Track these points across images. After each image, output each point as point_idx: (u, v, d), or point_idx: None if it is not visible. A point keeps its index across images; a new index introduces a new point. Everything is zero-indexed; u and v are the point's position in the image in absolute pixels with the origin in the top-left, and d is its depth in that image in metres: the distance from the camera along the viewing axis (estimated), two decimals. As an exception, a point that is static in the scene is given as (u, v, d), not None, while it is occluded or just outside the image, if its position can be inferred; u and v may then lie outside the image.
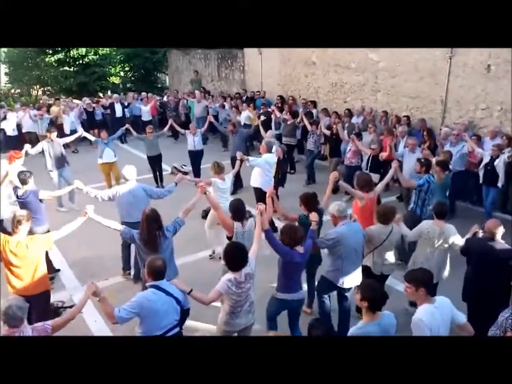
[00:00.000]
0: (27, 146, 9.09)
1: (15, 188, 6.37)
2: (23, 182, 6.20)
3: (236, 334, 4.43)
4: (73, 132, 14.19)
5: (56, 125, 14.03)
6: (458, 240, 5.13)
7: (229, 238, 5.18)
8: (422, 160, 7.01)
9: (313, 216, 4.91)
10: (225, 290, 4.10)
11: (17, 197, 6.33)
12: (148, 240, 4.86)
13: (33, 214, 6.16)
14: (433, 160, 7.27)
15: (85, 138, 11.19)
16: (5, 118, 13.77)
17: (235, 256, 4.19)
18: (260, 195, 7.58)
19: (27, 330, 3.52)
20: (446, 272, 5.33)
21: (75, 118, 14.75)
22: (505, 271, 4.62)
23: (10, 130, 13.56)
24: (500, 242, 4.74)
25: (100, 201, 6.25)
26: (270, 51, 15.09)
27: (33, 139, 13.34)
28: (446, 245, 5.17)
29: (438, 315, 3.59)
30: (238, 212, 5.26)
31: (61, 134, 12.59)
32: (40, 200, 6.36)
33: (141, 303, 3.82)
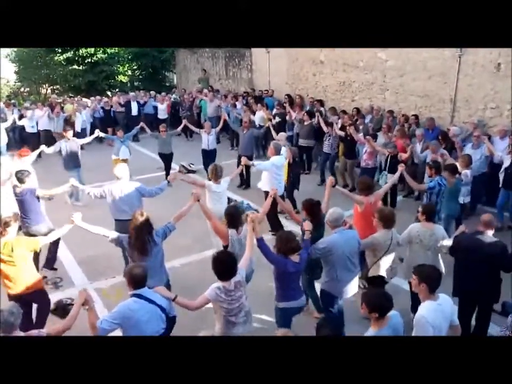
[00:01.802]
0: (43, 146, 9.36)
1: (14, 186, 6.44)
2: (20, 180, 6.25)
3: None
4: (84, 130, 14.31)
5: (70, 123, 14.17)
6: (448, 240, 5.12)
7: (225, 247, 5.08)
8: (431, 163, 6.97)
9: (307, 226, 4.79)
10: (214, 297, 4.02)
11: (15, 194, 6.39)
12: (137, 246, 4.80)
13: (29, 212, 6.32)
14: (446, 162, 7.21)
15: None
16: (23, 116, 13.89)
17: (224, 266, 4.07)
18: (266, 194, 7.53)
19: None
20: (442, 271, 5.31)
21: (86, 116, 14.91)
22: (495, 265, 4.66)
23: (29, 127, 13.71)
24: (489, 236, 4.76)
25: (93, 198, 6.34)
26: (277, 50, 15.04)
27: (48, 137, 13.59)
28: (437, 246, 5.16)
29: (440, 312, 3.64)
30: (233, 218, 5.14)
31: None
32: (38, 199, 6.39)
33: (122, 313, 3.74)
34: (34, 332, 3.61)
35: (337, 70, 13.24)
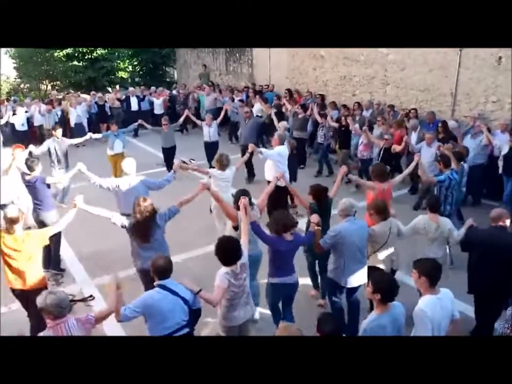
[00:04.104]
0: (31, 147, 8.86)
1: (23, 174, 6.48)
2: (30, 168, 6.31)
3: (237, 328, 4.34)
4: (78, 125, 14.15)
5: (66, 119, 14.07)
6: (454, 233, 5.12)
7: (235, 228, 5.16)
8: (439, 157, 7.08)
9: (314, 218, 4.86)
10: (226, 284, 4.06)
11: (24, 181, 6.45)
12: (140, 232, 4.92)
13: (40, 199, 6.41)
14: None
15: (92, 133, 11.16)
16: (14, 113, 13.63)
17: (229, 252, 4.11)
18: (275, 188, 7.45)
19: (72, 321, 3.53)
20: (447, 264, 5.31)
21: (82, 112, 14.76)
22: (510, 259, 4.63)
23: (19, 125, 13.45)
24: (507, 230, 4.76)
25: (98, 188, 6.33)
26: (278, 44, 14.98)
27: (44, 133, 13.50)
28: (442, 238, 5.16)
29: (439, 307, 3.63)
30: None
31: (67, 128, 12.90)
32: (48, 186, 6.48)
33: (144, 301, 3.83)
34: (83, 316, 3.68)
35: (337, 64, 13.21)
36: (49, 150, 9.05)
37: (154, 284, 4.01)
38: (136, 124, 11.55)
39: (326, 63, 13.60)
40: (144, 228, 4.90)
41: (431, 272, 3.69)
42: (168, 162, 11.09)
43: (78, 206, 5.12)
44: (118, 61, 25.90)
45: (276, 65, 15.68)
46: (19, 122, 13.44)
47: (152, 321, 3.87)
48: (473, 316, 5.11)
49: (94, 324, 3.67)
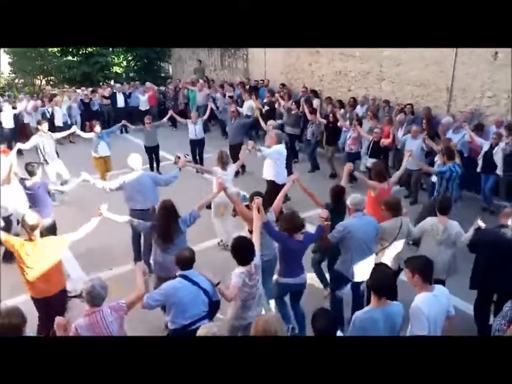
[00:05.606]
0: (19, 144, 8.67)
1: (22, 180, 6.33)
2: (31, 173, 6.17)
3: (243, 327, 4.39)
4: (65, 124, 13.73)
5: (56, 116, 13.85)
6: (462, 237, 5.06)
7: (250, 232, 5.08)
8: (441, 150, 7.10)
9: (323, 213, 4.92)
10: (242, 283, 4.11)
11: (25, 188, 6.28)
12: (162, 233, 4.95)
13: (40, 206, 6.22)
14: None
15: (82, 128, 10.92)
16: (0, 110, 13.15)
17: (245, 250, 4.16)
18: (274, 187, 7.41)
19: (106, 309, 3.66)
20: (454, 269, 5.22)
21: (73, 110, 14.51)
22: None
23: (7, 123, 12.99)
24: None
25: (108, 191, 6.30)
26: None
27: (29, 131, 13.09)
28: (450, 241, 5.08)
29: (435, 304, 3.64)
30: None
31: (52, 126, 12.45)
32: (48, 193, 6.36)
33: (166, 291, 3.96)
34: (114, 303, 3.77)
35: (333, 60, 13.17)
36: (37, 146, 8.89)
37: (176, 274, 4.12)
38: (120, 124, 11.42)
39: (322, 58, 13.56)
40: (167, 228, 4.93)
41: (423, 269, 3.68)
42: (151, 162, 10.99)
43: (104, 215, 5.11)
44: (113, 56, 25.70)
45: (271, 61, 15.62)
46: (7, 119, 13.01)
47: (172, 310, 3.99)
48: (468, 312, 5.12)
49: (126, 310, 3.79)
